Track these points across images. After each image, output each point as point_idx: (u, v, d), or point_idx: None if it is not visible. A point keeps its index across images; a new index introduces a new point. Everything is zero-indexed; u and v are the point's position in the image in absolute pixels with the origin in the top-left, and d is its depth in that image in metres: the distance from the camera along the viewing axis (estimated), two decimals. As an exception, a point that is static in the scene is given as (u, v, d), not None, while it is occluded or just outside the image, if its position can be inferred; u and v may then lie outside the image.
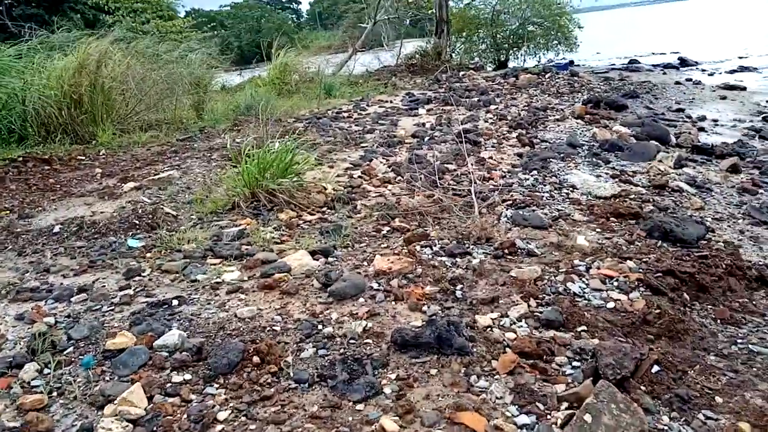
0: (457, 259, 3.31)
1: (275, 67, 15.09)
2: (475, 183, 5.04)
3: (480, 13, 19.19)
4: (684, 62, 16.01)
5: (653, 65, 16.03)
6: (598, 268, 3.11)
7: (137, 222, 4.08)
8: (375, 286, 2.93)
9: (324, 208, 4.65)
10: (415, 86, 14.03)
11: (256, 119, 10.01)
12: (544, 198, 4.83)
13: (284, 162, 4.67)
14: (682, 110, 9.44)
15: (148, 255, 3.61)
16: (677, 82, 12.50)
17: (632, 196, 4.90)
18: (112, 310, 2.84)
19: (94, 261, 3.52)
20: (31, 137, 9.15)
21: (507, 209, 4.49)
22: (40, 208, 4.83)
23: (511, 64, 18.70)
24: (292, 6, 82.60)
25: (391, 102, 11.44)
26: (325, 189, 5.15)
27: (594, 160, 6.03)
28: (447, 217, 4.34)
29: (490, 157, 6.24)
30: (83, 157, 7.32)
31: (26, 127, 9.27)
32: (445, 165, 5.90)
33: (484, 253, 3.42)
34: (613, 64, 17.01)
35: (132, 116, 10.58)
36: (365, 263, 3.28)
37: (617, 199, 4.86)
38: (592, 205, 4.52)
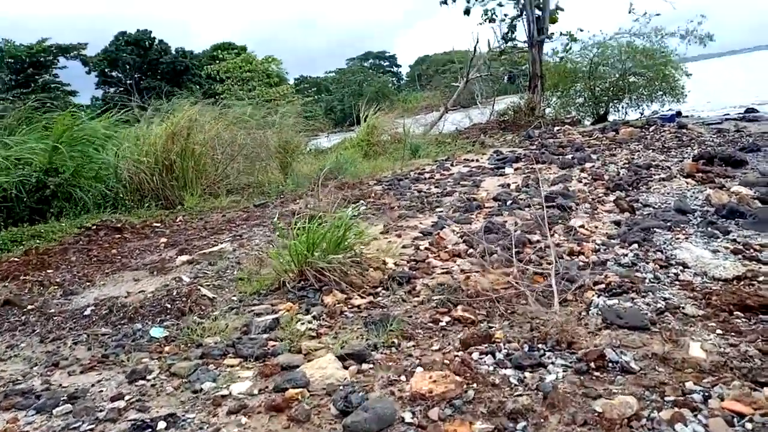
0: (526, 374, 2.56)
1: (363, 129, 15.12)
2: (558, 260, 4.25)
3: (577, 66, 18.29)
4: (813, 109, 14.11)
5: (775, 114, 14.26)
6: (722, 399, 2.25)
7: (169, 306, 3.72)
8: (408, 417, 2.26)
9: (379, 288, 4.07)
10: (504, 144, 13.36)
11: (334, 182, 9.79)
12: (647, 280, 3.95)
13: (336, 236, 4.18)
14: (818, 165, 8.01)
15: (167, 349, 3.18)
16: (807, 131, 10.87)
17: (761, 279, 3.90)
18: (91, 430, 2.39)
19: (107, 355, 3.15)
20: (121, 202, 9.50)
21: (598, 296, 3.67)
22: (89, 284, 4.65)
23: (611, 117, 17.50)
24: (392, 69, 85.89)
25: (477, 161, 10.85)
26: (385, 264, 4.59)
27: (709, 230, 5.02)
28: (523, 304, 3.60)
29: (582, 226, 5.40)
30: (159, 224, 7.32)
31: (118, 193, 9.65)
32: (527, 236, 5.15)
33: (562, 365, 2.64)
34: (727, 114, 15.37)
35: (222, 180, 10.77)
36: (404, 376, 2.61)
37: (741, 282, 3.88)
38: (709, 293, 3.59)
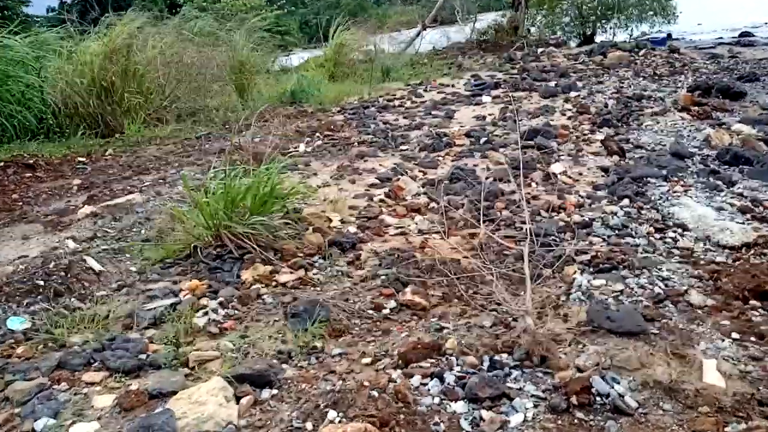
0: (483, 413, 1.86)
1: (331, 46, 13.82)
2: (534, 220, 3.51)
3: (564, -18, 16.86)
4: (813, 32, 13.20)
5: (772, 37, 13.34)
6: (756, 466, 1.59)
7: (42, 283, 2.91)
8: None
9: (316, 257, 3.31)
10: (483, 67, 12.29)
11: (291, 109, 8.81)
12: (640, 249, 3.25)
13: (263, 192, 3.35)
14: (823, 97, 7.26)
15: (19, 351, 2.41)
16: (809, 58, 10.06)
17: (776, 246, 3.23)
18: None
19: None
20: (53, 130, 8.44)
21: (581, 272, 2.97)
22: (-28, 242, 3.80)
23: (598, 39, 16.35)
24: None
25: (453, 86, 9.87)
26: (330, 222, 3.81)
27: (711, 180, 4.30)
28: (488, 280, 2.89)
29: (564, 173, 4.64)
30: (83, 159, 6.35)
31: (48, 119, 8.55)
32: (500, 185, 4.38)
33: (533, 396, 1.94)
34: (720, 38, 14.40)
35: (171, 104, 9.65)
36: (311, 422, 1.88)
37: (752, 251, 3.21)
38: (717, 271, 2.90)
